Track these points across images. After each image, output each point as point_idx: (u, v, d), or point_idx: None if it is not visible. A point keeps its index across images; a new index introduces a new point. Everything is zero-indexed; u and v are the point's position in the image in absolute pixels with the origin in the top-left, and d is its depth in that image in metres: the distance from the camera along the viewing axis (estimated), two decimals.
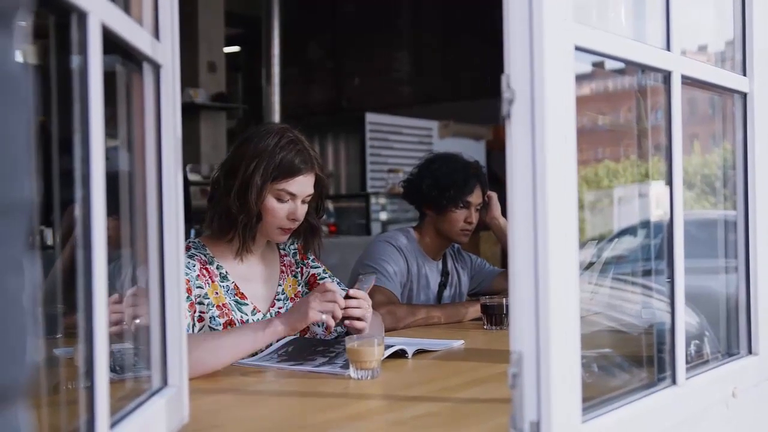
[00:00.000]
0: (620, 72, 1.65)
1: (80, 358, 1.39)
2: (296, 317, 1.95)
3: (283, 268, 2.29)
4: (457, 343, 2.27)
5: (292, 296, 2.28)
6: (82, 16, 0.95)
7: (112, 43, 1.07)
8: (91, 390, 0.96)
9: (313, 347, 2.06)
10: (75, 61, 0.97)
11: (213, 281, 2.11)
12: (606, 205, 1.85)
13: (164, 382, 1.31)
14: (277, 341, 2.08)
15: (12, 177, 0.53)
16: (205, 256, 2.14)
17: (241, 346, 1.93)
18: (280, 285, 2.26)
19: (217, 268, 2.14)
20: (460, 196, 2.87)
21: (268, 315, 2.18)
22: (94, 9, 0.96)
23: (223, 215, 2.13)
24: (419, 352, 2.10)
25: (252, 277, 2.20)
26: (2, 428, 0.54)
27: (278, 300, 2.24)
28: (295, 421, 1.52)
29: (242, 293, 2.15)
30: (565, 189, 1.15)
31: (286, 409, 1.64)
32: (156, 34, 1.29)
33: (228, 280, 2.14)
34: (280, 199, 2.12)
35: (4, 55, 0.53)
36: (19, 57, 0.55)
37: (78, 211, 0.96)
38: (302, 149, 2.12)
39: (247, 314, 2.13)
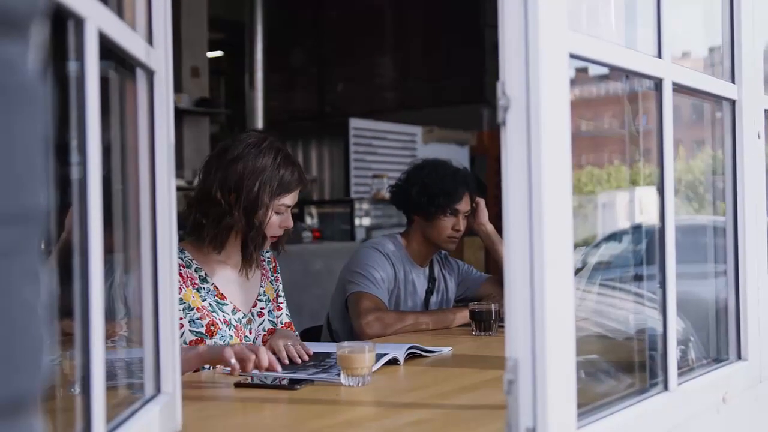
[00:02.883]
0: (605, 77, 1.65)
1: (68, 365, 1.37)
2: (217, 349, 1.93)
3: (263, 271, 2.36)
4: (446, 350, 2.27)
5: (271, 299, 2.35)
6: (79, 22, 0.95)
7: (107, 49, 1.06)
8: (87, 398, 0.95)
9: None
10: (71, 66, 0.96)
11: (188, 285, 2.14)
12: (590, 211, 1.86)
13: (157, 389, 1.30)
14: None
15: (28, 185, 0.52)
16: (182, 259, 2.17)
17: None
18: (261, 286, 2.33)
19: (196, 271, 2.19)
20: (449, 204, 2.87)
21: (250, 314, 2.25)
22: (91, 15, 0.96)
23: (225, 232, 2.15)
24: (411, 357, 2.10)
25: (233, 280, 2.26)
26: None
27: (260, 300, 2.31)
28: (287, 428, 1.52)
29: (222, 294, 2.20)
30: (560, 195, 1.15)
31: (278, 416, 1.64)
32: (149, 40, 1.29)
33: (208, 282, 2.19)
34: (278, 213, 2.20)
35: (21, 65, 0.52)
36: (33, 65, 0.54)
37: (74, 217, 0.95)
38: (296, 164, 2.23)
39: (228, 313, 2.19)
